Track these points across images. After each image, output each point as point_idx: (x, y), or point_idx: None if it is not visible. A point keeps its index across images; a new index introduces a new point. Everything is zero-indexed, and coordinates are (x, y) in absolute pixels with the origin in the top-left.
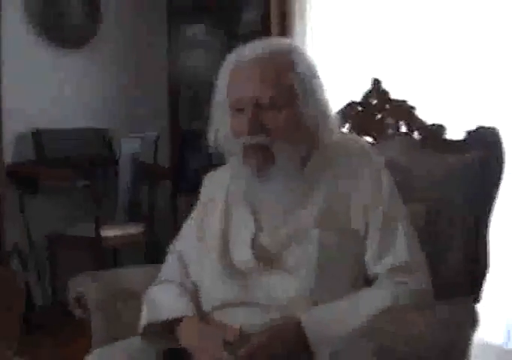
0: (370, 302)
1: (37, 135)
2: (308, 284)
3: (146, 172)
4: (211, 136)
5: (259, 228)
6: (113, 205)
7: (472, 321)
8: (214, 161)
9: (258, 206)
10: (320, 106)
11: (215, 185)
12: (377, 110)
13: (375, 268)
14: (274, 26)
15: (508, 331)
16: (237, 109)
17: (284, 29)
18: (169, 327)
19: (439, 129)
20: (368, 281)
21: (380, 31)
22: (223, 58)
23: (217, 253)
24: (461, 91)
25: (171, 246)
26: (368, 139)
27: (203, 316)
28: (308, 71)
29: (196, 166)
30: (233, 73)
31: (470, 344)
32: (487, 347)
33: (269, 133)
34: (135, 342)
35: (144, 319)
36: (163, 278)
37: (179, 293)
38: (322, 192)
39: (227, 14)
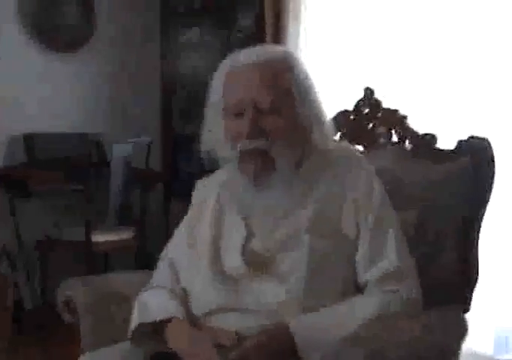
0: (360, 309)
1: (29, 138)
2: (298, 290)
3: (138, 176)
4: (204, 142)
5: (251, 233)
6: (105, 210)
7: (461, 330)
8: (206, 166)
9: (250, 212)
10: (315, 109)
11: (207, 191)
12: (369, 119)
13: (366, 275)
14: (268, 28)
15: (497, 341)
16: (235, 113)
17: (278, 32)
18: (159, 330)
19: (430, 138)
20: (359, 287)
21: (374, 39)
22: (217, 61)
23: (208, 259)
24: (453, 101)
25: (163, 252)
26: (360, 147)
27: (193, 322)
28: (302, 75)
29: (188, 170)
30: (230, 78)
31: (459, 354)
32: (476, 357)
33: (269, 137)
34: (125, 346)
35: (134, 321)
36: (154, 284)
37: (169, 297)
38: (314, 198)
39: (221, 17)
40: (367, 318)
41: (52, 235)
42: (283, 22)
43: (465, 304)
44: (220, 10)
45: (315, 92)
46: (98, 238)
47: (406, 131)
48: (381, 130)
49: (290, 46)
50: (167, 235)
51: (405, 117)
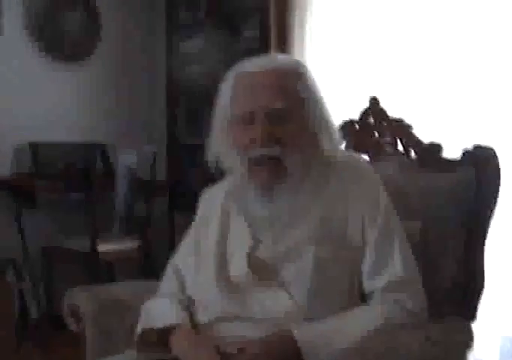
0: (364, 320)
1: (35, 148)
2: (302, 299)
3: (143, 185)
4: (211, 151)
5: (257, 242)
6: (110, 219)
7: (467, 340)
8: (212, 176)
9: (257, 220)
10: (324, 116)
11: (213, 200)
12: (375, 128)
13: (371, 284)
14: (273, 38)
15: (503, 350)
16: (246, 120)
17: (283, 42)
18: (163, 338)
19: (436, 148)
20: (364, 297)
21: (379, 49)
22: (222, 72)
23: (213, 267)
24: (458, 110)
25: (170, 260)
26: (365, 157)
27: (198, 330)
28: (311, 83)
29: (194, 180)
30: (240, 86)
31: None
32: None
33: (282, 144)
34: (131, 354)
35: (139, 328)
36: (161, 292)
37: (174, 305)
38: (321, 206)
39: (226, 28)
40: (371, 329)
41: (58, 245)
42: (288, 33)
43: (470, 314)
44: (224, 20)
45: (323, 100)
46: (103, 247)
47: (411, 141)
48: (387, 139)
49: (295, 56)
50: (172, 245)
51: (410, 126)
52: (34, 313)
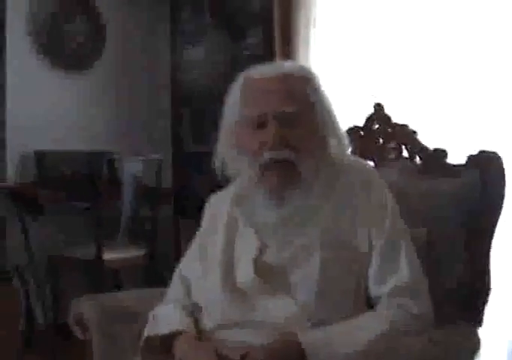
0: (370, 325)
1: (40, 156)
2: (309, 304)
3: (149, 193)
4: (217, 157)
5: (263, 246)
6: (115, 228)
7: (473, 345)
8: (218, 183)
9: (263, 225)
10: (332, 120)
11: (219, 205)
12: (379, 135)
13: (377, 290)
14: (277, 45)
15: (510, 354)
16: (257, 124)
17: (287, 49)
18: (168, 345)
19: (440, 153)
20: (370, 301)
21: (383, 56)
22: (227, 79)
23: (219, 273)
24: (463, 115)
25: (178, 266)
26: (370, 163)
27: (203, 336)
28: (319, 87)
29: (199, 188)
30: (249, 90)
31: None
32: None
33: (294, 148)
34: None
35: (145, 334)
36: (167, 298)
37: (179, 311)
38: (328, 211)
39: (230, 35)
40: (377, 334)
41: (64, 253)
42: (292, 39)
43: (477, 318)
44: (228, 26)
45: (331, 105)
46: (109, 255)
47: (416, 147)
48: (391, 145)
49: (299, 62)
50: (178, 252)
51: (415, 132)
52: (40, 321)
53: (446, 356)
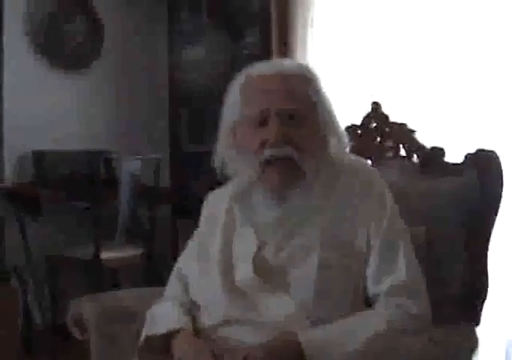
0: (367, 325)
1: (38, 156)
2: (307, 303)
3: (147, 193)
4: (217, 156)
5: (262, 244)
6: (113, 227)
7: (472, 344)
8: (216, 182)
9: (263, 223)
10: (332, 118)
11: (217, 203)
12: (377, 133)
13: (375, 289)
14: (274, 44)
15: (508, 353)
16: (258, 122)
17: (284, 48)
18: (167, 344)
19: (438, 152)
20: (368, 301)
21: (381, 54)
22: (225, 78)
23: (218, 272)
24: (461, 115)
25: (175, 264)
26: (368, 162)
27: (201, 334)
28: (320, 87)
29: (197, 187)
30: (250, 88)
31: None
32: None
33: (296, 146)
34: None
35: (143, 334)
36: (165, 296)
37: (176, 309)
38: (327, 210)
39: (227, 34)
40: (374, 333)
41: (62, 253)
42: (289, 38)
43: (475, 317)
44: (226, 27)
45: (331, 104)
46: (107, 255)
47: (414, 145)
48: (389, 144)
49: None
50: (176, 252)
51: (412, 131)
52: (38, 321)
53: (445, 356)
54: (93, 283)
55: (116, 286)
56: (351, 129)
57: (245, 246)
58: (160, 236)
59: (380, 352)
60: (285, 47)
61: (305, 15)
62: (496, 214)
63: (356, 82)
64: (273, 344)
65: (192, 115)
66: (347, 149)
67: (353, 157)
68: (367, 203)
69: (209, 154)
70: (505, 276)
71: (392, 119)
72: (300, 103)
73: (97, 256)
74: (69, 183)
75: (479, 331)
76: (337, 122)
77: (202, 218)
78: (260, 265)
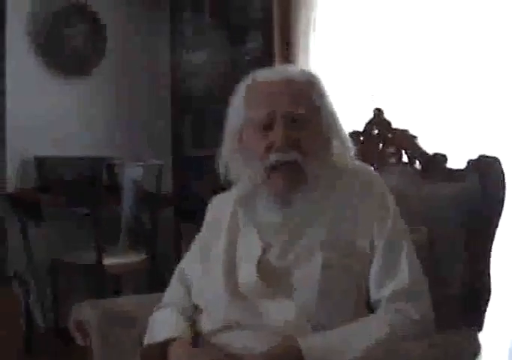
0: (370, 330)
1: (41, 162)
2: (309, 307)
3: (149, 198)
4: (221, 160)
5: (267, 248)
6: (116, 232)
7: (474, 349)
8: (219, 187)
9: (267, 227)
10: (337, 122)
11: (221, 207)
12: (379, 140)
13: (377, 293)
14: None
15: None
16: (264, 126)
17: (287, 54)
18: (165, 351)
19: (440, 158)
20: (371, 305)
21: (383, 60)
22: (227, 83)
23: (222, 275)
24: (463, 120)
25: (176, 268)
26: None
27: (203, 338)
28: (324, 91)
29: (199, 192)
30: (256, 93)
31: None
32: None
33: (300, 149)
34: None
35: (144, 343)
36: (165, 301)
37: (176, 316)
38: (330, 213)
39: (229, 40)
40: (376, 339)
41: (64, 258)
42: (292, 44)
43: (478, 320)
44: (228, 30)
45: (335, 108)
46: (109, 260)
47: (416, 151)
48: (391, 150)
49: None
50: (178, 257)
51: (414, 137)
52: (40, 326)
53: (442, 356)
54: (95, 288)
55: (119, 291)
56: (354, 135)
57: (249, 248)
58: (162, 242)
59: (382, 358)
60: (287, 51)
61: (307, 19)
62: (499, 219)
63: (359, 87)
64: (274, 352)
65: (194, 119)
66: (352, 153)
67: (357, 162)
68: (368, 203)
69: (211, 158)
70: (509, 277)
71: (394, 125)
72: (307, 105)
73: (99, 261)
74: (71, 188)
75: (482, 334)
76: (340, 126)
77: (205, 222)
78: (263, 268)
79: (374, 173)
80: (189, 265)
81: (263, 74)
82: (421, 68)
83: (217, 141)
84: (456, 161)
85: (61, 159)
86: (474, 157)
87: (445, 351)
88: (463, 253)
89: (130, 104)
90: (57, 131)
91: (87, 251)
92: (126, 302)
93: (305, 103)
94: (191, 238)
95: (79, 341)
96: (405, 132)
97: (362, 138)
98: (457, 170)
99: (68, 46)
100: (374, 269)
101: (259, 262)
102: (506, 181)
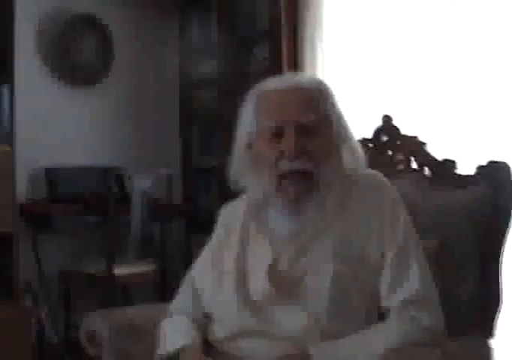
0: (381, 339)
1: (50, 173)
2: (321, 316)
3: (159, 209)
4: (232, 171)
5: (278, 257)
6: (126, 243)
7: (486, 356)
8: (229, 197)
9: (278, 236)
10: (347, 131)
11: (232, 216)
12: (388, 146)
13: (388, 301)
14: (285, 59)
15: None
16: (274, 134)
17: (295, 63)
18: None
19: (450, 164)
20: (382, 313)
21: (391, 68)
22: (235, 95)
23: (233, 283)
24: (472, 126)
25: (186, 276)
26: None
27: (216, 345)
28: (334, 99)
29: (209, 202)
30: (265, 103)
31: None
32: None
33: (311, 157)
34: None
35: (157, 353)
36: (175, 309)
37: (185, 324)
38: (342, 222)
39: (238, 51)
40: (388, 347)
41: (74, 269)
42: (299, 54)
43: (489, 329)
44: (236, 43)
45: (344, 116)
46: (120, 271)
47: (425, 158)
48: (400, 157)
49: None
50: (188, 268)
51: (424, 144)
52: (51, 337)
53: None
54: (106, 299)
55: (129, 301)
56: (363, 142)
57: (260, 258)
58: (172, 252)
59: None
60: (295, 62)
61: (314, 30)
62: (509, 226)
63: (367, 95)
64: None
65: (203, 131)
66: (363, 160)
67: (367, 170)
68: (379, 212)
69: (220, 168)
70: None
71: (403, 132)
72: (315, 114)
73: (109, 272)
74: (81, 199)
75: (493, 342)
76: (350, 133)
77: (216, 230)
78: (274, 277)
79: (386, 181)
80: (200, 273)
81: (272, 83)
82: (429, 75)
83: (227, 151)
84: (465, 167)
85: (71, 170)
86: (484, 162)
87: (458, 358)
88: (474, 260)
89: (138, 114)
90: (67, 142)
91: (97, 262)
92: (137, 312)
93: (315, 111)
94: (201, 248)
95: (90, 352)
96: (413, 138)
97: (371, 145)
98: (467, 176)
99: (77, 57)
100: (385, 277)
101: (270, 271)
102: None
